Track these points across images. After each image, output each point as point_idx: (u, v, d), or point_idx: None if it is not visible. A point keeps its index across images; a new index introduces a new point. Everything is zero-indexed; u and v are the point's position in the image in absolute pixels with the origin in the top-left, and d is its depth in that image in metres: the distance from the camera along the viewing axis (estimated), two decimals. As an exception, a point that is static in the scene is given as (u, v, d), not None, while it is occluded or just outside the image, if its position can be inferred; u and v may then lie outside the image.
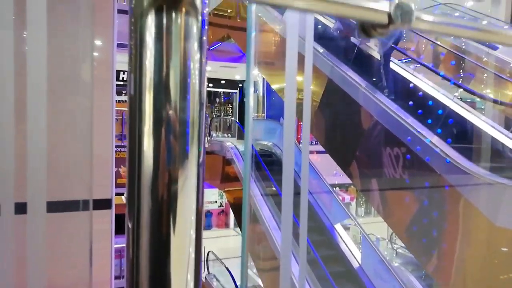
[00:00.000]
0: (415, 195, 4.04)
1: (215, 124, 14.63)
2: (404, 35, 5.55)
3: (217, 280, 9.24)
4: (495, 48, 5.57)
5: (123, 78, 9.33)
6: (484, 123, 4.25)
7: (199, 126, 0.50)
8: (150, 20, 0.45)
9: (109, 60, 2.85)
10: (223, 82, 14.64)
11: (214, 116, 15.10)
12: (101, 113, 2.78)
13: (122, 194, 7.09)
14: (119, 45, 2.91)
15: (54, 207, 2.35)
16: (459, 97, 4.54)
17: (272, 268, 5.96)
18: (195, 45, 0.47)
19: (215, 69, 12.70)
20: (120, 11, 2.92)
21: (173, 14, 0.46)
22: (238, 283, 7.69)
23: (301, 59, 1.33)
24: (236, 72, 13.84)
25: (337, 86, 4.94)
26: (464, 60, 5.32)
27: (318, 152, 7.90)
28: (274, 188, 6.86)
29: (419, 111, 4.25)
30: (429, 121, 4.10)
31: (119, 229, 2.63)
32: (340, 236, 6.46)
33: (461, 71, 5.45)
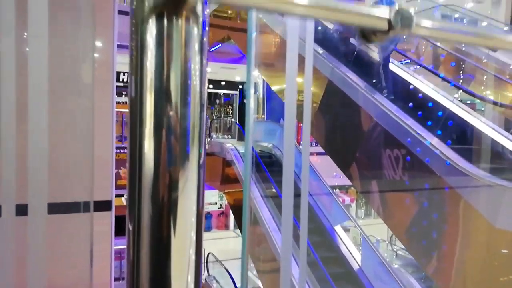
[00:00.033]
0: (415, 196, 4.04)
1: (215, 125, 14.63)
2: (404, 37, 5.55)
3: (217, 282, 9.23)
4: (495, 50, 5.56)
5: (123, 79, 9.34)
6: (484, 124, 4.25)
7: (200, 128, 0.50)
8: (151, 24, 0.46)
9: (109, 61, 2.85)
10: (223, 83, 14.65)
11: (214, 117, 15.10)
12: (101, 114, 2.78)
13: (122, 195, 7.09)
14: (119, 46, 2.91)
15: (55, 208, 2.35)
16: (459, 99, 4.54)
17: (272, 270, 5.95)
18: (195, 47, 0.47)
19: (215, 70, 12.71)
20: (120, 12, 2.93)
21: (174, 19, 0.46)
22: (238, 285, 7.69)
23: (301, 60, 1.33)
24: (236, 74, 13.85)
25: (336, 87, 4.94)
26: (464, 61, 5.32)
27: (318, 153, 7.91)
28: (274, 190, 6.86)
29: (419, 112, 4.25)
30: (429, 122, 4.10)
31: (119, 231, 2.63)
32: (340, 238, 6.46)
33: (461, 72, 5.45)
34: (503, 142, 4.05)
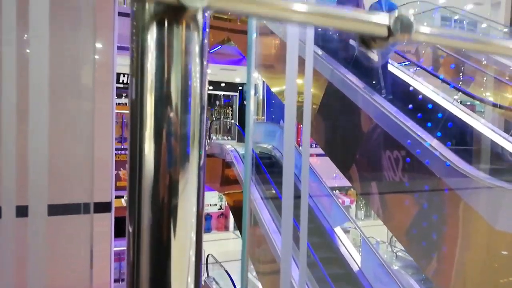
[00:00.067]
0: (415, 198, 4.04)
1: (215, 126, 14.63)
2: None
3: (217, 283, 9.22)
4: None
5: (123, 80, 9.34)
6: (483, 126, 4.25)
7: (200, 130, 0.50)
8: (152, 30, 0.46)
9: (110, 63, 2.85)
10: (223, 84, 14.65)
11: (214, 118, 15.10)
12: (102, 115, 2.79)
13: (122, 197, 7.08)
14: (119, 48, 2.92)
15: (55, 210, 2.35)
16: (458, 100, 4.55)
17: (272, 271, 5.94)
18: (196, 49, 0.48)
19: (215, 71, 12.71)
20: (120, 14, 2.93)
21: (174, 26, 0.46)
22: (238, 287, 7.68)
23: (301, 62, 1.33)
24: (236, 75, 13.85)
25: (336, 88, 4.95)
26: (464, 63, 5.33)
27: (318, 155, 7.90)
28: (274, 191, 6.85)
29: (419, 114, 4.25)
30: (429, 124, 4.10)
31: (118, 232, 2.63)
32: (340, 239, 6.45)
33: (461, 74, 5.46)
34: (502, 144, 4.05)
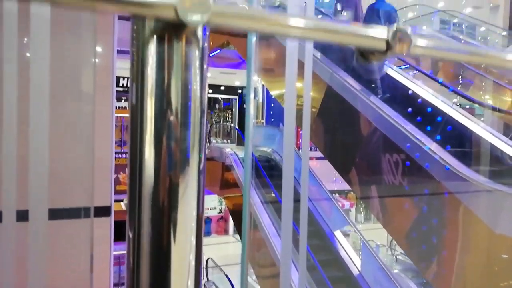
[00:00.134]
0: (415, 202, 4.03)
1: (215, 130, 14.63)
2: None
3: (217, 287, 9.19)
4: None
5: (123, 84, 9.35)
6: (483, 129, 4.26)
7: (200, 133, 0.50)
8: (152, 42, 0.46)
9: (109, 67, 2.86)
10: (222, 88, 14.67)
11: (214, 122, 15.11)
12: (101, 119, 2.79)
13: (121, 200, 7.07)
14: (119, 52, 2.92)
15: (56, 214, 2.35)
16: (458, 104, 4.55)
17: (271, 275, 5.93)
18: (196, 53, 0.48)
19: (214, 75, 12.73)
20: (120, 18, 2.94)
21: (174, 41, 0.46)
22: (238, 290, 7.65)
23: (300, 65, 1.34)
24: (235, 78, 13.87)
25: (335, 92, 4.96)
26: (463, 66, 5.34)
27: (318, 158, 7.90)
28: (273, 195, 6.85)
29: (418, 118, 4.26)
30: (428, 128, 4.11)
31: (118, 236, 2.62)
32: (340, 243, 6.44)
33: (460, 77, 5.47)
34: (502, 147, 4.05)
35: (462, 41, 8.55)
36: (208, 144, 9.72)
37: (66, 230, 2.48)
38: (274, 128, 9.42)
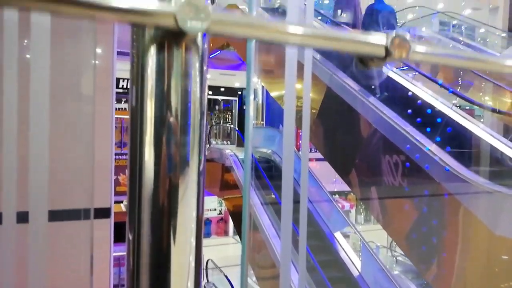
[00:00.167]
0: (414, 203, 4.03)
1: (215, 131, 14.63)
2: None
3: (216, 288, 9.18)
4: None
5: (123, 85, 9.35)
6: (482, 131, 4.26)
7: (200, 135, 0.50)
8: (152, 50, 0.47)
9: (109, 68, 2.86)
10: (222, 89, 14.67)
11: (214, 123, 15.12)
12: (101, 120, 2.79)
13: (121, 202, 7.07)
14: (119, 53, 2.92)
15: (56, 215, 2.35)
16: (457, 105, 4.55)
17: (271, 276, 5.93)
18: (196, 60, 0.48)
19: (214, 76, 12.74)
20: (120, 20, 2.93)
21: (174, 48, 0.47)
22: (237, 292, 7.64)
23: (300, 67, 1.34)
24: (235, 80, 13.88)
25: (335, 93, 4.96)
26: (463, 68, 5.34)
27: (317, 159, 7.90)
28: (273, 196, 6.84)
29: (418, 119, 4.26)
30: (428, 129, 4.11)
31: (118, 237, 2.62)
32: (340, 244, 6.44)
33: (459, 79, 5.47)
34: (502, 149, 4.05)
35: (462, 43, 8.55)
36: (208, 145, 9.72)
37: (66, 231, 2.48)
38: (274, 130, 9.43)
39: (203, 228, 0.54)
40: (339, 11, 6.07)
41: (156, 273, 0.49)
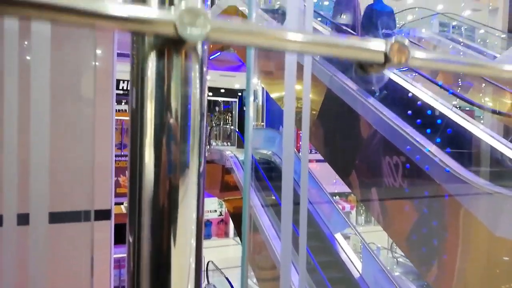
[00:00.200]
0: (415, 204, 4.03)
1: (215, 132, 14.64)
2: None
3: (217, 290, 9.17)
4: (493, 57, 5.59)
5: (123, 87, 9.37)
6: (482, 132, 4.26)
7: (200, 137, 0.51)
8: (152, 57, 0.47)
9: (109, 70, 2.86)
10: (222, 91, 14.69)
11: (214, 124, 15.12)
12: (101, 122, 2.79)
13: (121, 203, 7.06)
14: (119, 55, 2.93)
15: (56, 217, 2.35)
16: (457, 106, 4.56)
17: (272, 278, 5.92)
18: (196, 67, 0.49)
19: (214, 78, 12.75)
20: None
21: (174, 55, 0.47)
22: (238, 293, 7.64)
23: (300, 68, 1.34)
24: (235, 81, 13.89)
25: (335, 94, 4.96)
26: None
27: (318, 160, 7.90)
28: (273, 197, 6.85)
29: (418, 120, 4.26)
30: (428, 130, 4.11)
31: (118, 239, 2.62)
32: (340, 245, 6.44)
33: (459, 80, 5.48)
34: (502, 150, 4.05)
35: (462, 44, 8.56)
36: (208, 146, 9.72)
37: (66, 233, 2.48)
38: (274, 131, 9.43)
39: (203, 229, 0.54)
40: (338, 12, 6.08)
41: (157, 274, 0.50)
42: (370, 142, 4.55)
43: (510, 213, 3.27)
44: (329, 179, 8.06)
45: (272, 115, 13.69)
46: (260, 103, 14.05)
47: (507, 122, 4.97)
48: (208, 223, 13.63)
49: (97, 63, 2.80)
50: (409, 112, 4.41)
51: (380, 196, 4.54)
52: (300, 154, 1.42)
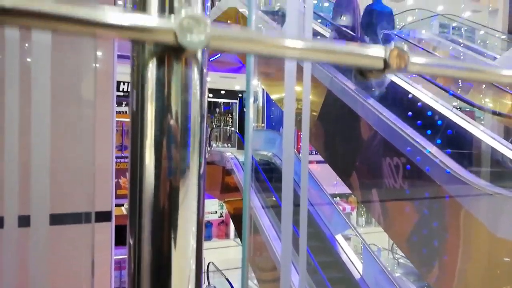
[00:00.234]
0: (415, 205, 4.03)
1: (215, 134, 14.64)
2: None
3: (217, 291, 9.16)
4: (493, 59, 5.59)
5: (123, 89, 9.37)
6: (483, 133, 4.26)
7: (200, 138, 0.51)
8: (152, 64, 0.47)
9: (110, 71, 2.86)
10: (223, 92, 14.69)
11: (214, 126, 15.13)
12: (102, 124, 2.79)
13: (122, 205, 7.07)
14: (119, 57, 2.93)
15: (57, 219, 2.35)
16: (458, 107, 4.56)
17: (272, 279, 5.92)
18: (195, 74, 0.49)
19: (215, 79, 12.76)
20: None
21: (174, 62, 0.47)
22: (239, 295, 7.63)
23: (300, 69, 1.34)
24: (236, 83, 13.89)
25: (335, 96, 4.96)
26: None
27: (318, 162, 7.90)
28: (274, 198, 6.84)
29: (418, 121, 4.26)
30: (429, 131, 4.11)
31: (118, 240, 2.62)
32: (341, 246, 6.44)
33: (460, 81, 5.48)
34: (502, 151, 4.05)
35: (462, 45, 8.56)
36: (208, 148, 9.72)
37: (67, 235, 2.48)
38: (274, 132, 9.43)
39: (203, 231, 0.54)
40: (338, 14, 6.08)
41: (157, 276, 0.50)
42: (371, 143, 4.55)
43: (510, 214, 3.27)
44: (330, 180, 8.06)
45: (272, 117, 13.70)
46: (261, 104, 14.05)
47: (508, 123, 4.97)
48: (209, 224, 13.62)
49: (97, 65, 2.80)
50: (410, 113, 4.41)
51: (381, 197, 4.53)
52: (300, 155, 1.42)
